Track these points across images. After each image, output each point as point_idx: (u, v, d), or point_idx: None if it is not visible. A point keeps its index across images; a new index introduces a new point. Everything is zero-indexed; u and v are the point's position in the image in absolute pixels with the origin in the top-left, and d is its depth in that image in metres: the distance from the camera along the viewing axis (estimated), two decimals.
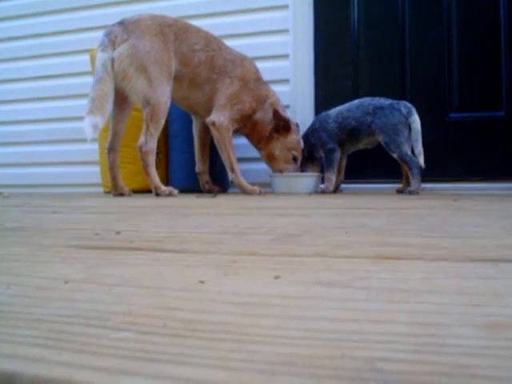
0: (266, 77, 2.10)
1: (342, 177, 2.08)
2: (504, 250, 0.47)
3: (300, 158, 2.09)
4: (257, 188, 1.98)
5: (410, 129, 1.82)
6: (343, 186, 2.15)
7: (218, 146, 1.99)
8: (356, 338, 0.22)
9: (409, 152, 1.81)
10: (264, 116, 2.05)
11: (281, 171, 2.08)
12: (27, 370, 0.19)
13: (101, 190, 2.45)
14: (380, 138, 1.85)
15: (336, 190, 2.05)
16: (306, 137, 2.08)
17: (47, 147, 2.81)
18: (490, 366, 0.18)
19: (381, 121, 1.84)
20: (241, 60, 2.04)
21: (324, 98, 2.35)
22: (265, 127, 2.06)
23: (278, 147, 2.08)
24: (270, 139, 2.07)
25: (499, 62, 2.22)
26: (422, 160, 1.80)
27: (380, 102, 1.88)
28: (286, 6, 2.39)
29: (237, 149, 2.08)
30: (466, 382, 0.17)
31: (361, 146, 1.98)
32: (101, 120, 1.70)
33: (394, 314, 0.25)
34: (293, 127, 2.05)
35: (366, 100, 1.92)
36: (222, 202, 1.42)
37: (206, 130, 2.13)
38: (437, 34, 2.29)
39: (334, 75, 2.40)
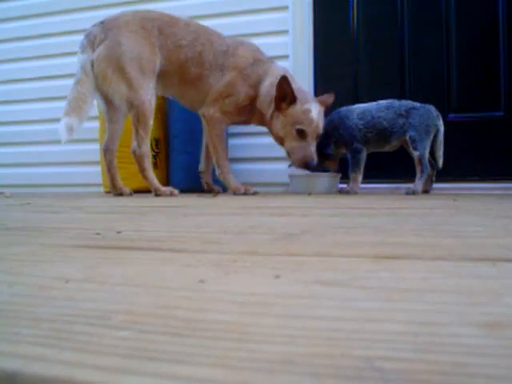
0: None
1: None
2: (503, 249, 0.47)
3: (312, 131, 1.82)
4: (241, 187, 1.89)
5: (435, 132, 1.87)
6: (341, 185, 2.15)
7: (208, 139, 1.94)
8: (356, 336, 0.22)
9: (427, 156, 1.85)
10: (264, 101, 1.87)
11: (294, 154, 1.85)
12: (28, 369, 0.19)
13: (101, 189, 2.45)
14: (407, 135, 1.85)
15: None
16: (324, 132, 1.97)
17: (48, 147, 2.81)
18: (489, 365, 0.19)
19: (415, 120, 1.84)
20: (234, 48, 1.91)
21: None
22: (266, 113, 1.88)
23: (278, 126, 1.86)
24: (270, 120, 1.88)
25: (498, 62, 2.22)
26: (441, 162, 1.89)
27: (412, 103, 1.90)
28: (285, 7, 2.39)
29: (237, 149, 2.08)
30: (465, 381, 0.17)
31: (387, 148, 1.96)
32: (76, 122, 1.68)
33: (393, 313, 0.25)
34: (299, 97, 1.81)
35: (395, 101, 1.92)
36: (222, 201, 1.42)
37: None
38: (436, 34, 2.29)
39: (333, 75, 2.40)
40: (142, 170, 1.79)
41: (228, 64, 1.89)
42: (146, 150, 1.78)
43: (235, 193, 1.89)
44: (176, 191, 1.80)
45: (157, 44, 1.82)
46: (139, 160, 1.78)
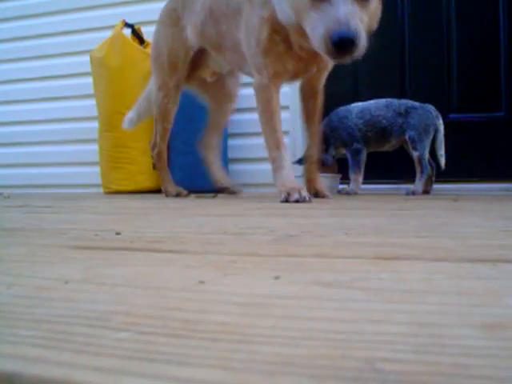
0: None
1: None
2: (503, 250, 0.47)
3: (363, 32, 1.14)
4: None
5: (435, 132, 1.87)
6: (341, 186, 2.15)
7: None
8: (356, 338, 0.22)
9: (427, 156, 1.85)
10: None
11: (312, 32, 1.12)
12: (27, 370, 0.19)
13: (101, 190, 2.45)
14: (407, 135, 1.84)
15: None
16: (323, 136, 1.95)
17: (47, 148, 2.81)
18: (489, 366, 0.18)
19: (414, 120, 1.84)
20: None
21: (323, 99, 2.35)
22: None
23: (288, 3, 1.16)
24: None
25: (498, 62, 2.22)
26: (443, 162, 1.88)
27: (411, 103, 1.89)
28: None
29: (236, 149, 2.07)
30: (465, 382, 0.17)
31: (386, 147, 1.96)
32: (135, 116, 1.84)
33: (393, 315, 0.25)
34: None
35: (394, 100, 1.91)
36: (221, 202, 1.42)
37: (308, 95, 1.59)
38: (436, 34, 2.29)
39: (333, 75, 2.40)
40: (158, 170, 1.85)
41: (242, 2, 1.33)
42: (160, 150, 1.81)
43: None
44: (185, 192, 1.81)
45: (183, 24, 1.60)
46: (155, 159, 1.83)
